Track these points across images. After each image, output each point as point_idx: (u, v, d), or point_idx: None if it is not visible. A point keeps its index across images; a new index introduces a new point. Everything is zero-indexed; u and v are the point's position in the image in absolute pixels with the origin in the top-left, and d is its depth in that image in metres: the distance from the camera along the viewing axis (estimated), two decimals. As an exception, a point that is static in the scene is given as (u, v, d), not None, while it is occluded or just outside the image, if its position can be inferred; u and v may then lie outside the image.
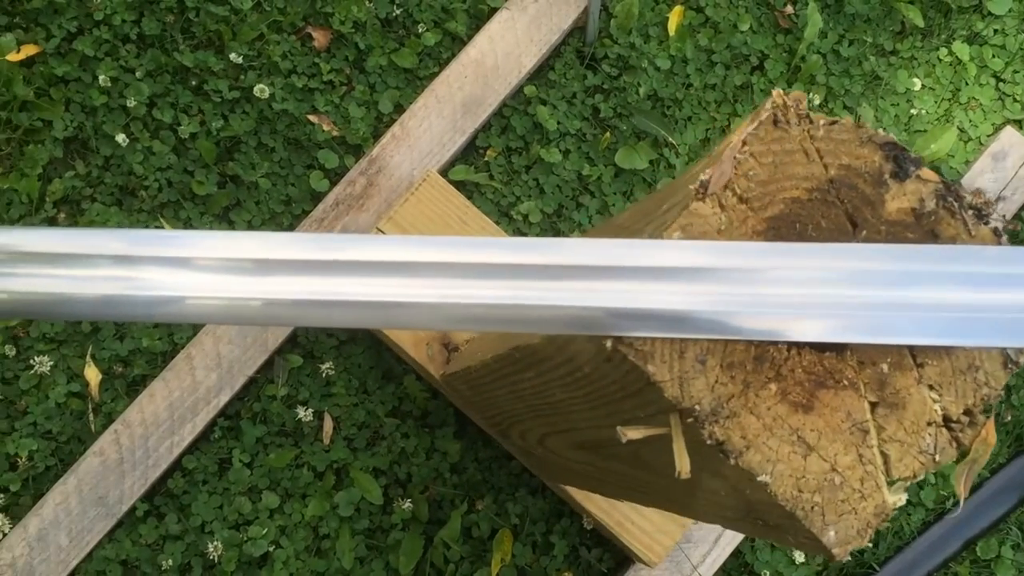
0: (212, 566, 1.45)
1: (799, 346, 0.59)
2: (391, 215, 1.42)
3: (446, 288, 0.62)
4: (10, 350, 1.45)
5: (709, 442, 0.58)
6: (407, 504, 1.48)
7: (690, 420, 0.59)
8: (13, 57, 1.55)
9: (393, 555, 1.48)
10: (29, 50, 1.56)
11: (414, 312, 0.62)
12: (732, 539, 1.53)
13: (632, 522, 1.42)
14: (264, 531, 1.45)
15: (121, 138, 1.52)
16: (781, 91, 0.61)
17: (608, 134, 1.62)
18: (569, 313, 0.61)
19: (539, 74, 1.65)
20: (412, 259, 0.63)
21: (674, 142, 1.64)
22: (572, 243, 0.62)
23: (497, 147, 1.62)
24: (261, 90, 1.55)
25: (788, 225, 0.60)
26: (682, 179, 0.69)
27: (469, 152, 1.62)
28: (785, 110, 0.60)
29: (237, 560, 1.44)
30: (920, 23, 1.72)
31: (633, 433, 0.62)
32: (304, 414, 1.49)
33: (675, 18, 1.69)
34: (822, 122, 0.61)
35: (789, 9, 1.73)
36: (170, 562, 1.43)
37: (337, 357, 1.53)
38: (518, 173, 1.62)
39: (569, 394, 0.82)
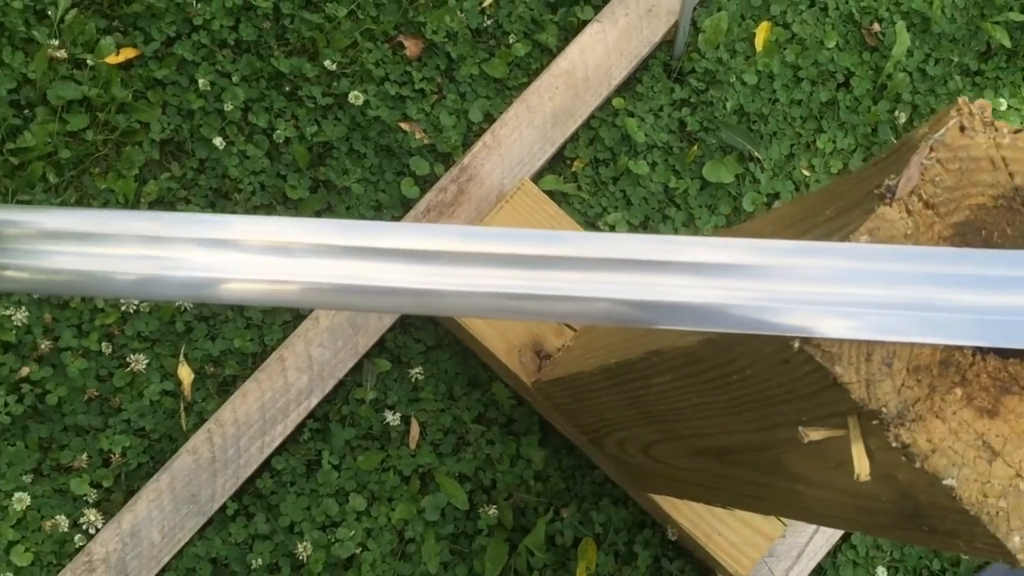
0: (300, 566, 1.46)
1: (983, 352, 0.60)
2: (484, 222, 1.44)
3: (474, 277, 0.64)
4: (106, 347, 1.47)
5: (895, 445, 0.59)
6: (492, 510, 1.49)
7: (875, 423, 0.59)
8: (112, 60, 1.57)
9: (478, 561, 1.48)
10: (128, 53, 1.58)
11: (445, 299, 0.64)
12: (814, 554, 1.53)
13: (720, 534, 1.43)
14: (351, 533, 1.47)
15: (218, 141, 1.54)
16: (965, 99, 0.62)
17: (695, 147, 1.63)
18: (595, 306, 0.63)
19: (627, 86, 1.66)
20: (441, 248, 0.65)
21: (760, 157, 1.65)
22: (604, 237, 0.64)
23: (585, 158, 1.63)
24: (356, 96, 1.56)
25: (974, 232, 0.61)
26: (844, 183, 0.70)
27: (557, 162, 1.63)
28: (971, 118, 0.61)
29: (325, 561, 1.45)
30: (1007, 43, 1.73)
31: (815, 435, 0.62)
32: (392, 418, 1.50)
33: (762, 34, 1.70)
34: (1007, 130, 0.61)
35: (876, 27, 1.73)
36: (259, 561, 1.44)
37: (425, 363, 1.54)
38: (605, 184, 1.63)
39: (708, 399, 0.82)
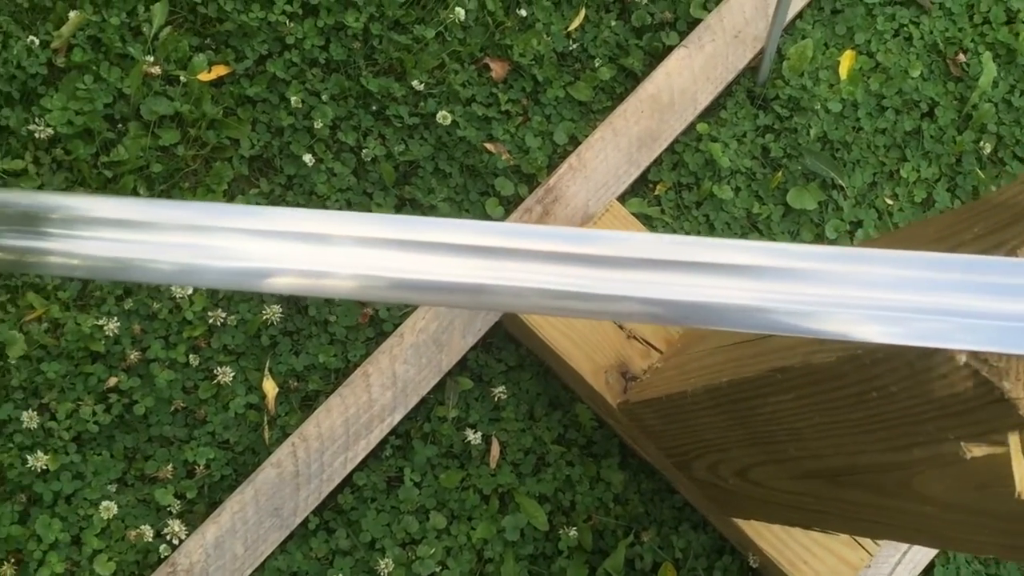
0: (380, 583, 1.46)
1: None
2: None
3: (526, 272, 0.65)
4: (193, 359, 1.49)
5: (1064, 461, 0.58)
6: (572, 532, 1.49)
7: (1042, 438, 0.58)
8: (204, 77, 1.60)
9: (557, 582, 1.48)
10: (219, 70, 1.61)
11: (494, 295, 0.66)
12: (897, 586, 1.51)
13: (805, 562, 1.41)
14: (432, 551, 1.46)
15: (307, 158, 1.55)
16: None
17: (779, 174, 1.63)
18: (627, 306, 0.64)
19: (711, 112, 1.66)
20: (492, 244, 0.66)
21: (843, 184, 1.64)
22: (651, 238, 0.65)
23: (668, 182, 1.63)
24: (443, 116, 1.58)
25: None
26: (984, 203, 0.70)
27: (640, 185, 1.63)
28: None
29: (405, 578, 1.45)
30: (1093, 75, 1.72)
31: (977, 451, 0.62)
32: (473, 437, 1.50)
33: (846, 62, 1.70)
34: None
35: (961, 57, 1.73)
36: (340, 576, 1.44)
37: (506, 382, 1.54)
38: (688, 208, 1.63)
39: (835, 418, 0.82)
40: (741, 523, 1.41)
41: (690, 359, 1.23)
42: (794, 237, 1.63)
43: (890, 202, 1.67)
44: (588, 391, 1.46)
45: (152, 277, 0.67)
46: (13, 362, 1.46)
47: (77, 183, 1.54)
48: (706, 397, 1.05)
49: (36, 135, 1.52)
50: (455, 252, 0.66)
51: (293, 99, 1.57)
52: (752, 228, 1.63)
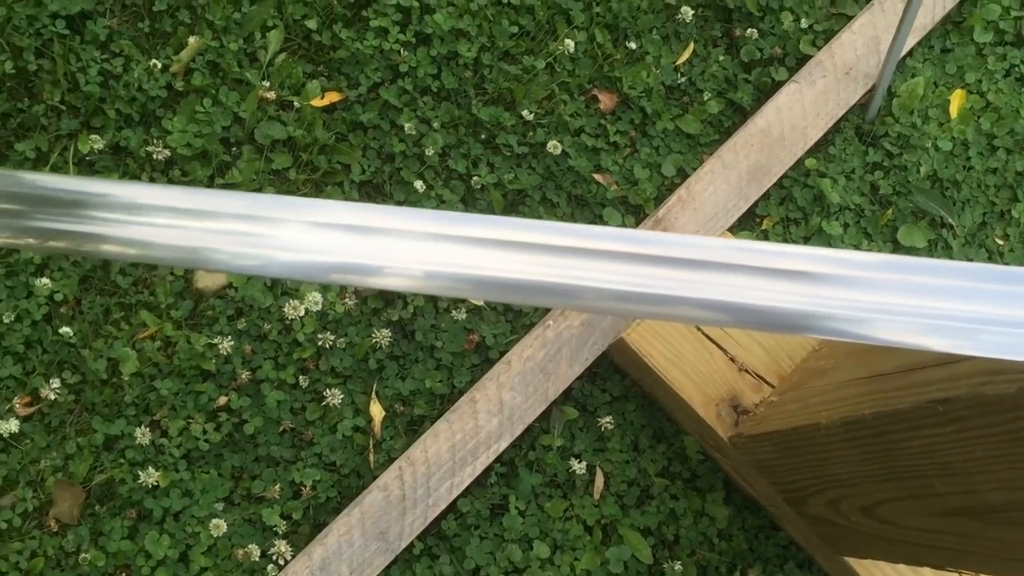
0: (484, 611, 1.45)
1: None
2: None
3: (588, 271, 0.66)
4: (303, 380, 1.50)
5: None
6: (677, 566, 1.47)
7: None
8: (317, 102, 1.62)
9: (662, 617, 1.46)
10: (332, 97, 1.63)
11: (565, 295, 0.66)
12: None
13: (917, 605, 1.38)
14: (535, 581, 1.46)
15: (418, 184, 1.57)
16: None
17: (889, 211, 1.62)
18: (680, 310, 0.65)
19: (819, 147, 1.66)
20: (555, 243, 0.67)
21: (953, 223, 1.62)
22: (706, 242, 0.66)
23: (775, 216, 1.63)
24: (554, 146, 1.59)
25: None
26: None
27: (748, 219, 1.63)
28: None
29: (508, 607, 1.44)
30: None
31: None
32: (578, 467, 1.49)
33: (956, 101, 1.68)
34: None
35: (1074, 98, 1.71)
36: (444, 603, 1.44)
37: (611, 412, 1.54)
38: (796, 243, 1.61)
39: (1002, 451, 0.80)
40: (853, 562, 1.39)
41: (813, 393, 1.21)
42: (903, 275, 1.61)
43: (1001, 242, 1.65)
44: (697, 423, 1.45)
45: (213, 264, 0.69)
46: (126, 378, 1.48)
47: (192, 204, 1.56)
48: (842, 430, 1.03)
49: (154, 156, 1.54)
50: (519, 249, 0.67)
51: (406, 125, 1.58)
52: (860, 265, 1.62)
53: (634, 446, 1.54)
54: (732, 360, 1.43)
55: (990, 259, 1.65)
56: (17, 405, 1.48)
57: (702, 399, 1.41)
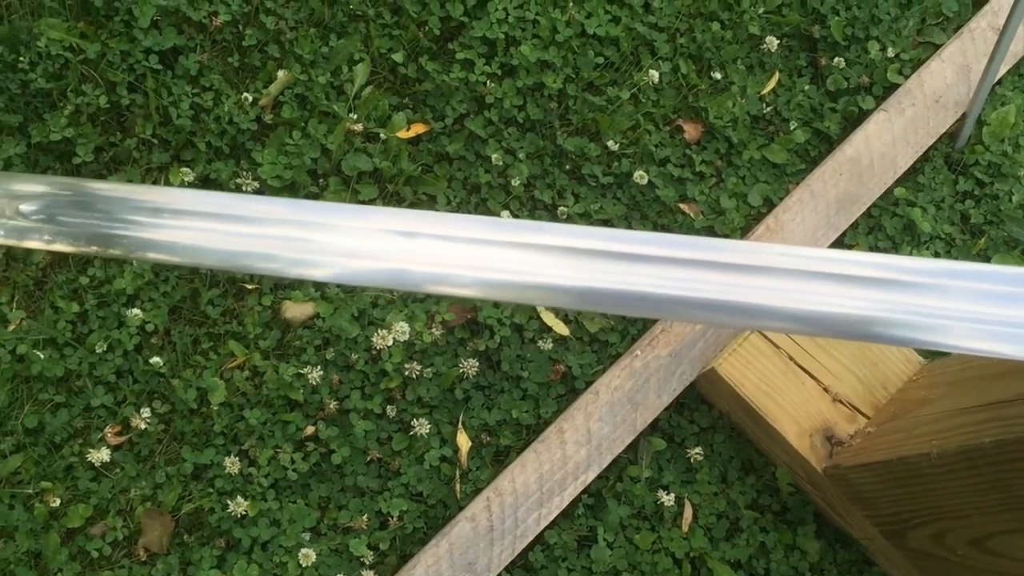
0: (573, 645, 1.43)
1: None
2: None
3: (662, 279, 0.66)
4: (390, 411, 1.49)
5: None
6: (770, 602, 1.44)
7: None
8: (403, 134, 1.63)
9: (755, 654, 1.43)
10: (417, 128, 1.64)
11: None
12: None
13: (1024, 643, 1.34)
14: (624, 615, 1.43)
15: (505, 215, 1.57)
16: None
17: (981, 240, 1.59)
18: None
19: (907, 176, 1.64)
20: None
21: (1048, 252, 1.59)
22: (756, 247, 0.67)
23: (863, 245, 1.60)
24: (640, 176, 1.58)
25: None
26: None
27: (835, 248, 1.60)
28: None
29: (598, 642, 1.42)
30: None
31: None
32: (666, 498, 1.47)
33: (1048, 128, 1.66)
34: None
35: None
36: (533, 636, 1.42)
37: (699, 443, 1.52)
38: (886, 273, 1.59)
39: None
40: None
41: (918, 422, 1.19)
42: (996, 305, 1.58)
43: (1097, 272, 1.61)
44: (790, 455, 1.42)
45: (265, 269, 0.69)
46: (215, 408, 1.49)
47: (280, 235, 1.57)
48: (957, 459, 1.01)
49: (243, 188, 1.56)
50: (582, 255, 0.67)
51: (493, 156, 1.59)
52: (952, 295, 1.59)
53: (723, 478, 1.51)
54: (825, 390, 1.40)
55: (1087, 289, 1.61)
56: (108, 434, 1.50)
57: (796, 430, 1.39)
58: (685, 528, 1.49)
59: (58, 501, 1.44)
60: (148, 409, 1.49)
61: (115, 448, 1.48)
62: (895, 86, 1.66)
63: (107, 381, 1.50)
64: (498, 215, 1.58)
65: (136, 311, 1.51)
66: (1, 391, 1.47)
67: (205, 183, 1.59)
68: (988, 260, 1.59)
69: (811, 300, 0.64)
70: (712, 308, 0.66)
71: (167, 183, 1.58)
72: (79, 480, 1.47)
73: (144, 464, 1.49)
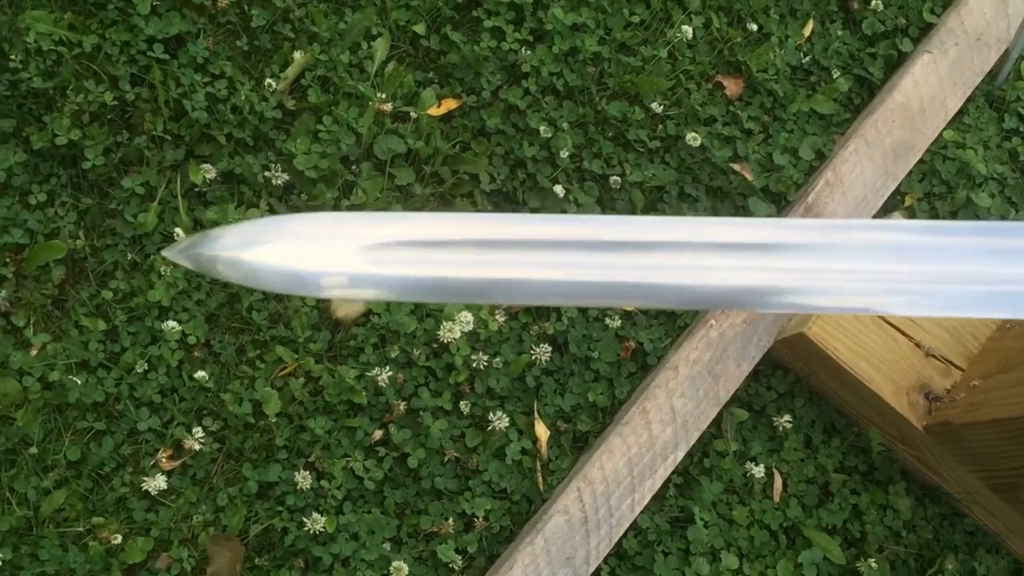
0: (682, 631, 1.38)
1: None
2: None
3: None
4: (462, 406, 1.41)
5: None
6: (872, 563, 1.41)
7: None
8: (434, 111, 1.54)
9: (864, 618, 1.40)
10: (448, 104, 1.55)
11: None
12: None
13: None
14: (729, 594, 1.39)
15: (558, 189, 1.49)
16: None
17: (1034, 177, 1.58)
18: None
19: (954, 119, 1.61)
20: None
21: (1095, 185, 1.59)
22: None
23: (917, 192, 1.57)
24: (693, 138, 1.52)
25: None
26: None
27: (890, 198, 1.57)
28: None
29: (706, 624, 1.38)
30: None
31: None
32: (756, 470, 1.43)
33: (1081, 59, 1.64)
34: None
35: None
36: (641, 626, 1.37)
37: (779, 410, 1.47)
38: (943, 219, 1.57)
39: None
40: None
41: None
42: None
43: None
44: (884, 414, 1.39)
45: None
46: (273, 420, 1.39)
47: (317, 229, 1.47)
48: None
49: (273, 181, 1.45)
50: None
51: (541, 128, 1.50)
52: (1010, 235, 1.57)
53: (807, 443, 1.48)
54: (917, 346, 1.37)
55: None
56: (162, 460, 1.38)
57: (892, 388, 1.36)
58: (776, 498, 1.45)
59: (118, 537, 1.33)
60: (200, 428, 1.38)
61: (169, 473, 1.37)
62: (930, 26, 1.63)
63: (150, 402, 1.38)
64: (545, 189, 1.50)
65: (172, 323, 1.39)
66: (34, 423, 1.35)
67: (229, 179, 1.47)
68: (1041, 198, 1.58)
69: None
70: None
71: (186, 181, 1.46)
72: (134, 511, 1.35)
73: (202, 487, 1.38)
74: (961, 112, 1.61)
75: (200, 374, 1.39)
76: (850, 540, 1.45)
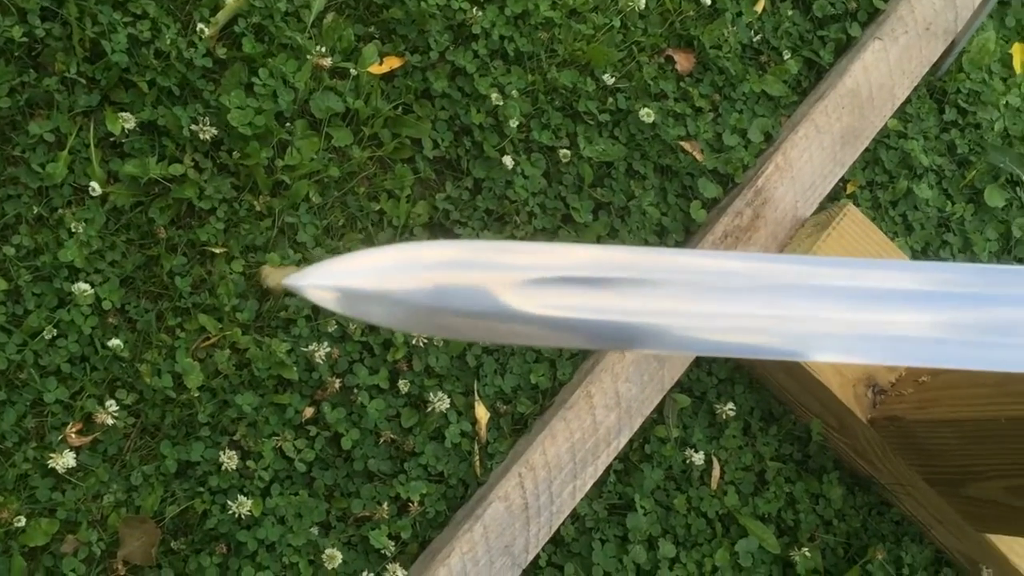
0: (620, 621, 1.35)
1: None
2: (814, 250, 1.36)
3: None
4: (401, 384, 1.34)
5: None
6: (805, 552, 1.41)
7: None
8: (376, 69, 1.44)
9: (796, 608, 1.40)
10: (391, 63, 1.46)
11: None
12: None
13: (1057, 575, 1.37)
14: (667, 583, 1.37)
15: (508, 160, 1.42)
16: None
17: (971, 170, 1.58)
18: None
19: (898, 107, 1.60)
20: None
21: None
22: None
23: (859, 180, 1.56)
24: (646, 114, 1.47)
25: None
26: None
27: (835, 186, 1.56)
28: None
29: (644, 615, 1.35)
30: None
31: None
32: (695, 457, 1.41)
33: (1018, 55, 1.66)
34: None
35: None
36: (579, 616, 1.33)
37: (719, 396, 1.45)
38: (884, 209, 1.56)
39: None
40: (995, 539, 1.36)
41: (999, 380, 1.16)
42: (984, 236, 1.58)
43: (1065, 200, 1.65)
44: (829, 405, 1.38)
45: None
46: (195, 394, 1.29)
47: (246, 190, 1.37)
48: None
49: (200, 136, 1.34)
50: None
51: (491, 95, 1.43)
52: (946, 228, 1.58)
53: (745, 430, 1.46)
54: (865, 338, 1.36)
55: (1057, 218, 1.64)
56: (70, 434, 1.27)
57: (840, 381, 1.35)
58: (714, 486, 1.43)
59: (21, 519, 1.22)
60: (113, 401, 1.28)
61: (78, 449, 1.26)
62: (878, 12, 1.61)
63: (58, 371, 1.27)
64: (490, 159, 1.43)
65: (84, 286, 1.28)
66: (-75, 393, 1.22)
67: (150, 130, 1.35)
68: (975, 191, 1.59)
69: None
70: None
71: (101, 129, 1.33)
72: (37, 490, 1.24)
73: (114, 465, 1.28)
74: (905, 101, 1.60)
75: (114, 342, 1.28)
76: (783, 528, 1.45)
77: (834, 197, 1.55)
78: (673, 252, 0.53)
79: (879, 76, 1.54)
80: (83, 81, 1.33)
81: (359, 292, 0.47)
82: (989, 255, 1.58)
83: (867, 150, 1.56)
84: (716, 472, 1.43)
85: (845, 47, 1.59)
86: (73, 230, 1.29)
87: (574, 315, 0.49)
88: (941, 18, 1.58)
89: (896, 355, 0.54)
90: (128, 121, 1.33)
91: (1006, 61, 1.66)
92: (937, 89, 1.62)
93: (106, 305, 1.29)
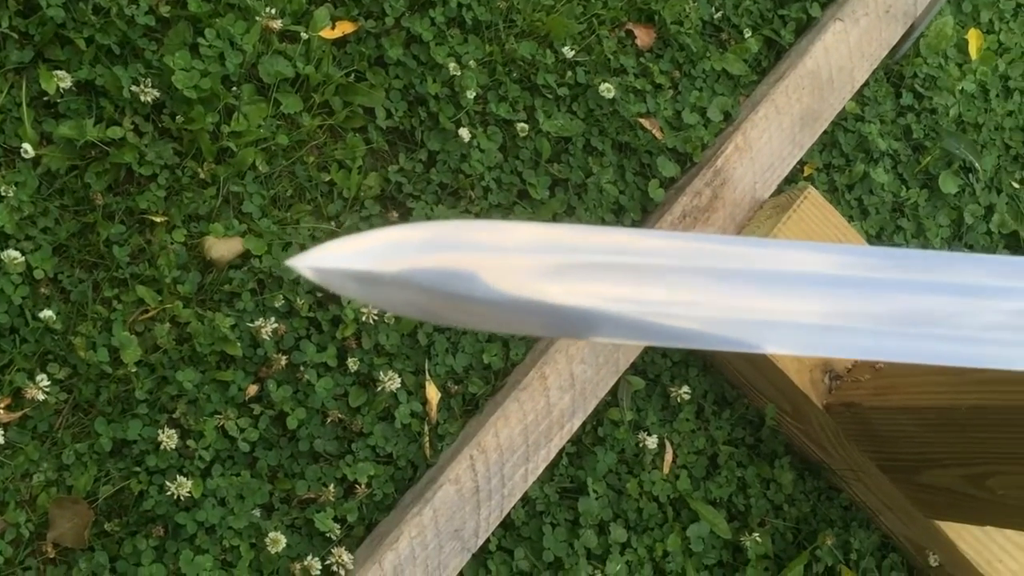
0: (570, 607, 1.33)
1: None
2: (773, 233, 1.34)
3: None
4: (349, 362, 1.30)
5: None
6: (756, 537, 1.40)
7: None
8: (327, 34, 1.39)
9: (746, 593, 1.39)
10: (344, 27, 1.40)
11: None
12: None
13: (1000, 561, 1.38)
14: (617, 568, 1.34)
15: (464, 133, 1.38)
16: None
17: (926, 155, 1.58)
18: None
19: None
20: None
21: (979, 167, 1.61)
22: None
23: (816, 163, 1.55)
24: (607, 89, 1.43)
25: None
26: None
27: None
28: None
29: (595, 600, 1.33)
30: None
31: None
32: (648, 440, 1.38)
33: (973, 41, 1.65)
34: None
35: (1079, 40, 1.72)
36: (529, 602, 1.31)
37: (673, 379, 1.43)
38: (840, 192, 1.55)
39: None
40: (943, 525, 1.36)
41: (961, 371, 1.15)
42: (937, 222, 1.58)
43: (1017, 186, 1.65)
44: (784, 390, 1.37)
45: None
46: (132, 370, 1.23)
47: (190, 156, 1.30)
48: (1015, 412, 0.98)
49: (141, 98, 1.27)
50: None
51: (451, 65, 1.38)
52: (900, 213, 1.57)
53: (698, 413, 1.44)
54: (822, 323, 1.34)
55: (1008, 204, 1.64)
56: (-1, 410, 1.20)
57: (796, 366, 1.33)
58: (666, 470, 1.41)
59: (-56, 501, 1.15)
60: (44, 375, 1.21)
61: (6, 426, 1.20)
62: (839, -8, 1.59)
63: (-15, 343, 1.20)
64: (446, 131, 1.39)
65: (14, 253, 1.21)
66: None
67: (87, 90, 1.28)
68: (930, 176, 1.59)
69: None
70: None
71: (34, 87, 1.26)
72: (-39, 470, 1.18)
73: (44, 442, 1.21)
74: (864, 84, 1.59)
75: (46, 313, 1.21)
76: (734, 513, 1.43)
77: (791, 180, 1.53)
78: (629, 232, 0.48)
79: (839, 58, 1.52)
80: (15, 36, 1.26)
81: (379, 276, 0.43)
82: (941, 241, 1.58)
83: (825, 132, 1.55)
84: (669, 456, 1.41)
85: (805, 27, 1.57)
86: (3, 194, 1.22)
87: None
88: (901, 1, 1.56)
89: (831, 348, 0.51)
90: (64, 80, 1.26)
91: (962, 47, 1.66)
92: (895, 73, 1.61)
93: (38, 274, 1.22)
